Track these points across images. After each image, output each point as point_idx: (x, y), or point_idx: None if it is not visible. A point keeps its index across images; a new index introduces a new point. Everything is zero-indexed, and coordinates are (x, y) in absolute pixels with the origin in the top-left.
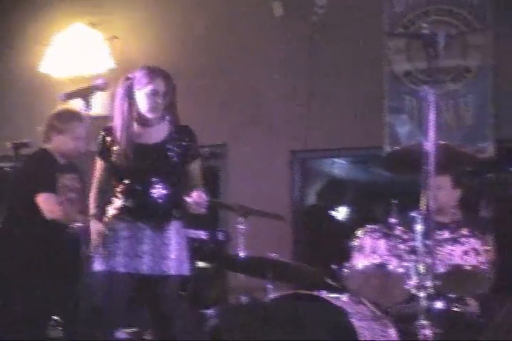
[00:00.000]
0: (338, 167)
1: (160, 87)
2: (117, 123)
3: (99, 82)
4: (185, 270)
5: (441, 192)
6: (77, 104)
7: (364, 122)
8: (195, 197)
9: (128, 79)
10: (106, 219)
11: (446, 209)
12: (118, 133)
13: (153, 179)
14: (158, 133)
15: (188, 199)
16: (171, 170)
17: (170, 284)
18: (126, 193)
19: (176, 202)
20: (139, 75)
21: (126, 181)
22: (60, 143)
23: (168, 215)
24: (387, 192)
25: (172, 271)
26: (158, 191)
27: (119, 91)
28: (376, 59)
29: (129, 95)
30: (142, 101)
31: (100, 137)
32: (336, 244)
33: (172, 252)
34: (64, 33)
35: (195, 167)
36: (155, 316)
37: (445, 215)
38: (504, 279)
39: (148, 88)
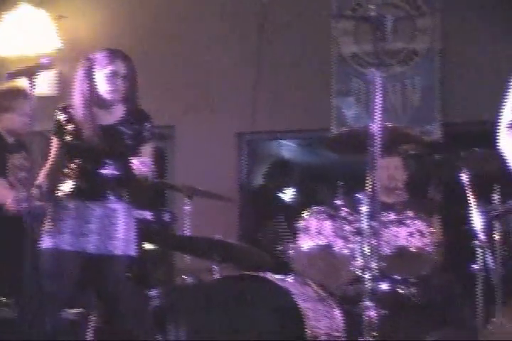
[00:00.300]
0: (285, 149)
1: (120, 69)
2: (77, 102)
3: (44, 61)
4: (132, 250)
5: (388, 173)
6: (22, 83)
7: (311, 104)
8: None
9: (88, 59)
10: (56, 198)
11: (393, 191)
12: (80, 112)
13: (106, 160)
14: (114, 114)
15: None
16: (123, 152)
17: (116, 264)
18: (78, 173)
19: (126, 183)
20: (99, 56)
21: (79, 161)
22: (7, 121)
23: (118, 196)
24: (334, 174)
25: (119, 251)
26: (109, 172)
27: (79, 71)
28: (324, 41)
29: (89, 76)
30: (102, 82)
31: (56, 116)
32: (282, 225)
33: (119, 232)
34: (11, 13)
35: (148, 149)
36: (100, 296)
37: (391, 197)
38: (450, 259)
39: (108, 69)
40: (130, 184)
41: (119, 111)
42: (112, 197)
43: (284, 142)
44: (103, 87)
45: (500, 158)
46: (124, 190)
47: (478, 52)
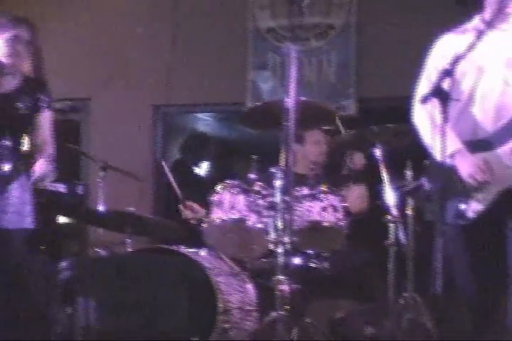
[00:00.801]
0: (201, 122)
1: (23, 34)
2: None
3: None
4: (28, 223)
5: (303, 147)
6: None
7: (227, 78)
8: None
9: None
10: None
11: (309, 165)
12: None
13: None
14: (11, 82)
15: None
16: (17, 122)
17: (11, 238)
18: None
19: (21, 155)
20: (2, 20)
21: None
22: None
23: (13, 168)
24: (249, 148)
25: (12, 225)
26: (2, 143)
27: None
28: (240, 15)
29: None
30: (1, 46)
31: None
32: (197, 199)
33: (13, 206)
34: None
35: (45, 120)
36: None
37: (307, 170)
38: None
39: (9, 33)
40: (25, 156)
41: (15, 80)
42: (5, 170)
43: (200, 115)
44: (2, 51)
45: (413, 134)
46: (18, 162)
47: (394, 28)
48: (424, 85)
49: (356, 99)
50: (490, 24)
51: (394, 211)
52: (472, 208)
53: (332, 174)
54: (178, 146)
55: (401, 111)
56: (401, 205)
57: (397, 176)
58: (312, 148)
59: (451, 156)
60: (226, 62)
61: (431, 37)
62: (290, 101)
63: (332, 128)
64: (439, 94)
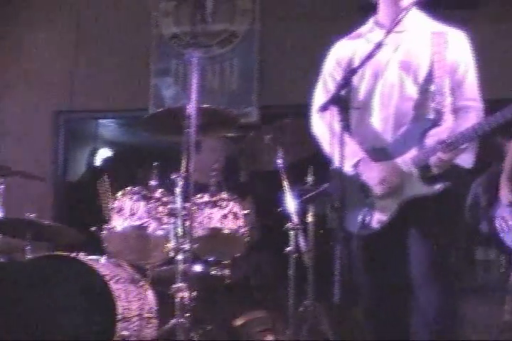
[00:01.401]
0: (105, 128)
1: None
2: None
3: None
4: None
5: (204, 154)
6: None
7: (130, 84)
8: None
9: None
10: None
11: (208, 172)
12: None
13: None
14: None
15: None
16: None
17: None
18: None
19: None
20: None
21: None
22: None
23: None
24: (151, 154)
25: None
26: None
27: None
28: (144, 21)
29: None
30: None
31: None
32: (96, 205)
33: None
34: None
35: None
36: None
37: (206, 178)
38: (264, 241)
39: None
40: None
41: None
42: None
43: (103, 121)
44: None
45: (313, 141)
46: None
47: (296, 36)
48: (320, 93)
49: (258, 106)
50: (384, 27)
51: (294, 218)
52: (375, 218)
53: (233, 181)
54: (80, 152)
55: (303, 119)
56: (302, 212)
57: (298, 183)
58: (208, 156)
59: (355, 165)
60: (129, 68)
61: (332, 44)
62: (192, 108)
63: (234, 134)
64: (338, 102)
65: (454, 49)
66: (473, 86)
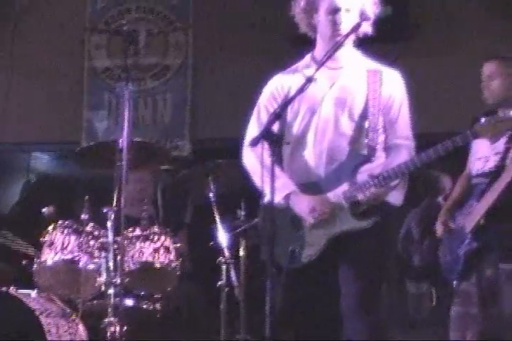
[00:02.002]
0: (37, 161)
1: None
2: None
3: None
4: None
5: (137, 187)
6: None
7: (64, 117)
8: None
9: None
10: None
11: (140, 206)
12: None
13: None
14: None
15: None
16: None
17: None
18: None
19: None
20: None
21: None
22: None
23: None
24: (82, 188)
25: None
26: None
27: None
28: (77, 54)
29: None
30: None
31: None
32: (28, 239)
33: None
34: None
35: None
36: None
37: (138, 212)
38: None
39: None
40: None
41: None
42: None
43: (35, 154)
44: None
45: (245, 175)
46: None
47: (228, 70)
48: (254, 126)
49: (191, 140)
50: (321, 64)
51: (226, 252)
52: (305, 252)
53: (164, 214)
54: (12, 185)
55: (235, 152)
56: (234, 246)
57: (230, 217)
58: (133, 186)
59: (285, 197)
60: (62, 101)
61: (264, 78)
62: (124, 141)
63: (167, 167)
64: (269, 137)
65: (389, 88)
66: (406, 124)
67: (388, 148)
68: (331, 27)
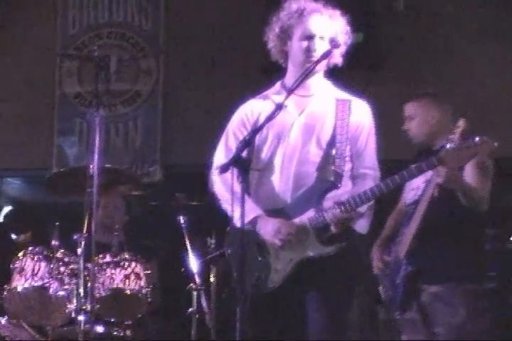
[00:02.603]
0: (9, 186)
1: None
2: None
3: None
4: None
5: (107, 213)
6: None
7: (35, 142)
8: None
9: None
10: None
11: (111, 232)
12: None
13: None
14: None
15: None
16: None
17: None
18: None
19: None
20: None
21: None
22: None
23: None
24: (53, 214)
25: None
26: None
27: None
28: (48, 80)
29: None
30: None
31: None
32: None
33: None
34: None
35: None
36: None
37: (109, 238)
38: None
39: None
40: None
41: None
42: None
43: (7, 179)
44: None
45: (215, 203)
46: None
47: (198, 96)
48: (221, 151)
49: (162, 166)
50: (290, 91)
51: (197, 279)
52: (271, 277)
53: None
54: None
55: (205, 178)
56: (204, 273)
57: (200, 244)
58: (104, 213)
59: (251, 222)
60: (33, 127)
61: (234, 104)
62: (94, 167)
63: (137, 194)
64: (238, 163)
65: (357, 117)
66: (372, 154)
67: (354, 177)
68: (304, 53)
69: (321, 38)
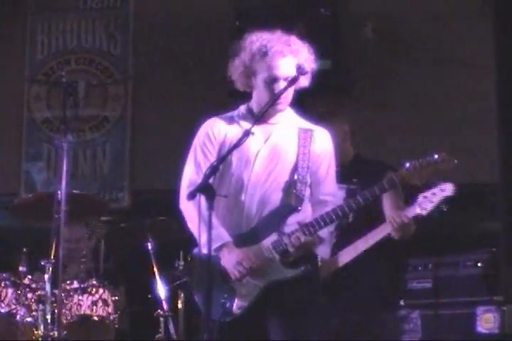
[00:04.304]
0: None
1: None
2: None
3: None
4: None
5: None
6: None
7: (2, 168)
8: None
9: None
10: None
11: (78, 259)
12: None
13: None
14: None
15: None
16: None
17: None
18: None
19: None
20: None
21: None
22: None
23: None
24: (20, 240)
25: None
26: None
27: None
28: (17, 105)
29: None
30: None
31: None
32: None
33: None
34: None
35: None
36: None
37: (77, 265)
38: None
39: None
40: None
41: None
42: None
43: None
44: None
45: (182, 226)
46: None
47: (167, 122)
48: (191, 168)
49: (130, 191)
50: (257, 119)
51: (165, 305)
52: (236, 303)
53: (104, 267)
54: None
55: (173, 204)
56: (172, 298)
57: (168, 269)
58: (78, 242)
59: (217, 249)
60: (1, 152)
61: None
62: (62, 193)
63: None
64: (206, 190)
65: (318, 147)
66: (332, 182)
67: (314, 204)
68: (268, 94)
69: (286, 79)
